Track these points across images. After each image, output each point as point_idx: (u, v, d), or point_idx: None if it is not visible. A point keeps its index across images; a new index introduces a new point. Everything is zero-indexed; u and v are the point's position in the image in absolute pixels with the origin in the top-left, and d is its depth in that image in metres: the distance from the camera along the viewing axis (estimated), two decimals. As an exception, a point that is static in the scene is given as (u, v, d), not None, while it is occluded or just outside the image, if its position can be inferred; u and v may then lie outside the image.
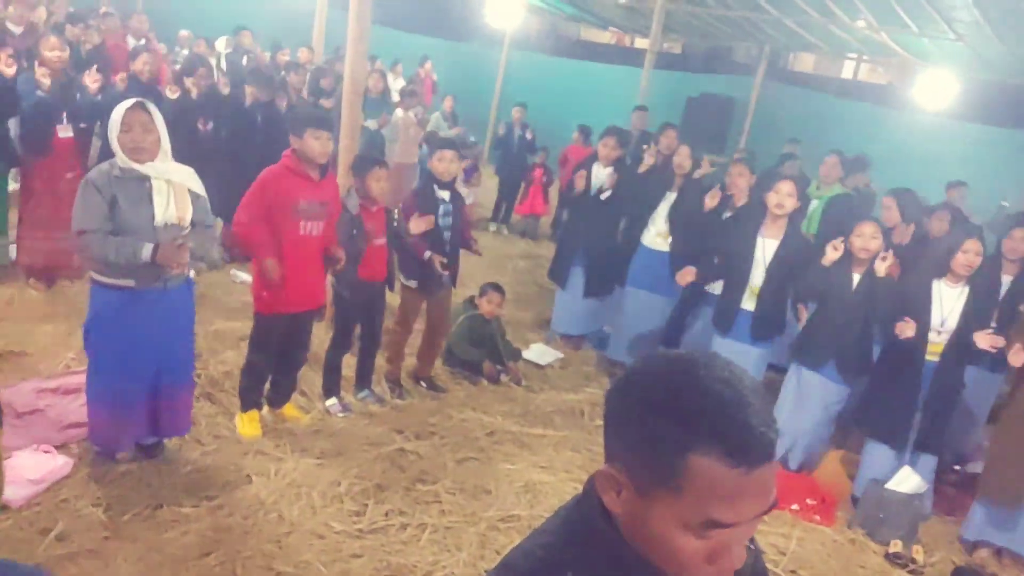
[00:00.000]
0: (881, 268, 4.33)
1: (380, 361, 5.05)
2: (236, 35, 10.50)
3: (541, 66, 14.49)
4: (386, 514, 3.65)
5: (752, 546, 1.17)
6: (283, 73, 8.51)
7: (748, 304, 4.79)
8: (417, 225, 4.61)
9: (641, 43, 16.95)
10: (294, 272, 3.98)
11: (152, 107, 3.33)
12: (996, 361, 4.77)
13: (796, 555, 3.90)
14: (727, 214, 5.49)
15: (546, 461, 4.45)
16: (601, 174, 5.93)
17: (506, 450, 4.52)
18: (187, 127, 6.10)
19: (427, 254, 4.73)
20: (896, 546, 4.09)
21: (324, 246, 4.11)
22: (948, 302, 4.25)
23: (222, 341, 5.10)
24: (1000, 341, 4.03)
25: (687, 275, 4.94)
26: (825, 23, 10.10)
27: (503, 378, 5.52)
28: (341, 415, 4.61)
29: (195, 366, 4.09)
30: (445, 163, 4.81)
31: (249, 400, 4.26)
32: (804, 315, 4.93)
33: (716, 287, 5.18)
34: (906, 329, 4.14)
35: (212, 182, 4.73)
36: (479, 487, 4.05)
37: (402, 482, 3.95)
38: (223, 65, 9.55)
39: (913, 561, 4.01)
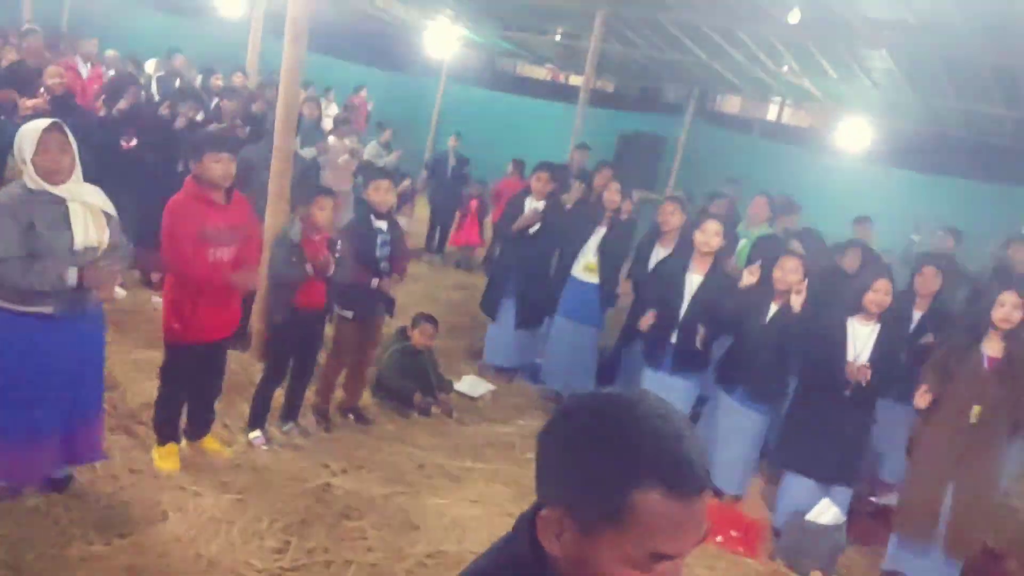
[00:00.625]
0: (796, 302, 4.48)
1: (308, 393, 4.95)
2: (169, 58, 10.31)
3: (478, 99, 14.64)
4: (309, 552, 3.55)
5: None
6: (216, 99, 8.38)
7: (674, 338, 4.92)
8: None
9: (576, 80, 17.32)
10: (206, 300, 3.87)
11: (66, 127, 3.23)
12: (904, 394, 4.99)
13: (720, 587, 3.96)
14: (660, 254, 5.60)
15: (476, 495, 4.41)
16: (537, 208, 6.00)
17: (435, 484, 4.46)
18: (110, 144, 5.94)
19: (375, 281, 4.68)
20: (816, 576, 4.19)
21: (237, 271, 4.01)
22: (861, 339, 4.42)
23: (140, 370, 4.91)
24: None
25: (648, 320, 4.97)
26: (751, 67, 10.51)
27: (434, 410, 5.47)
28: (265, 448, 4.49)
29: (111, 396, 3.94)
30: (381, 193, 4.78)
31: (165, 433, 4.11)
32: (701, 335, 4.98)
33: (646, 322, 5.30)
34: (857, 374, 4.26)
35: (131, 201, 4.58)
36: (407, 522, 3.98)
37: (327, 518, 3.85)
38: (154, 88, 9.35)
39: (832, 591, 4.11)
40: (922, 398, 4.05)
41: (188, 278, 3.81)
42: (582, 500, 0.97)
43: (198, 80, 10.35)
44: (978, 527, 4.19)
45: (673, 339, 4.91)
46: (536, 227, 5.94)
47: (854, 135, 10.98)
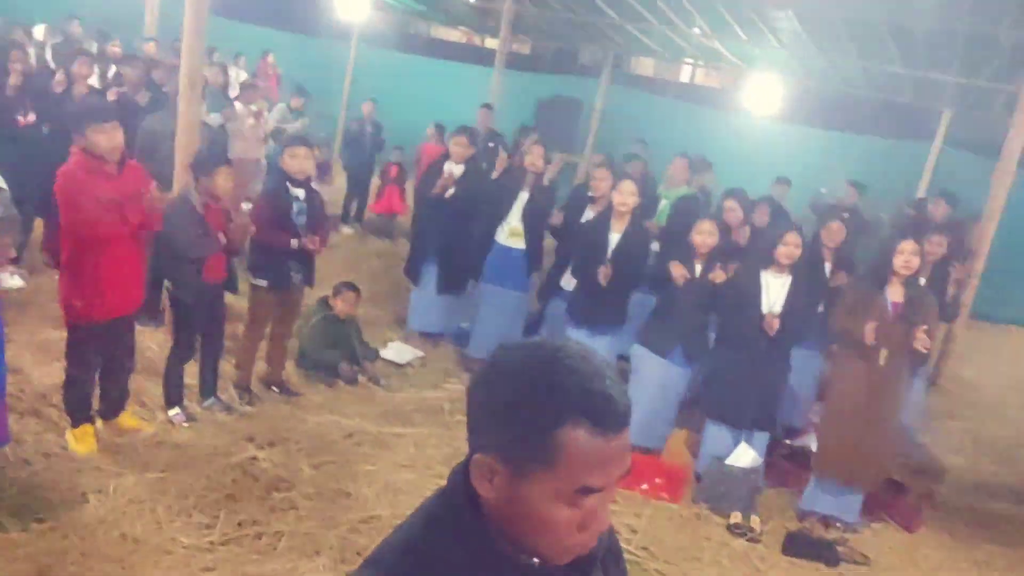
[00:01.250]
0: (718, 277, 4.64)
1: (228, 367, 4.85)
2: (65, 23, 9.70)
3: (392, 63, 14.34)
4: (239, 524, 3.51)
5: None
6: (114, 67, 7.97)
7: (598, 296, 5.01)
8: (248, 227, 4.39)
9: (492, 43, 17.17)
10: (108, 276, 3.73)
11: None
12: (817, 342, 5.25)
13: (647, 532, 4.11)
14: (588, 215, 5.68)
15: (407, 460, 4.43)
16: (455, 172, 5.97)
17: (365, 451, 4.46)
18: (5, 121, 5.60)
19: (295, 241, 4.57)
20: (736, 517, 4.39)
21: (137, 241, 3.87)
22: (775, 290, 4.61)
23: (48, 351, 4.70)
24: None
25: (606, 274, 4.94)
26: (664, 30, 10.63)
27: (361, 378, 5.44)
28: (186, 425, 4.38)
29: (16, 379, 3.77)
30: (299, 160, 4.65)
31: (78, 414, 3.97)
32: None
33: (569, 282, 5.41)
34: (773, 324, 4.40)
35: (33, 177, 4.36)
36: (338, 490, 3.97)
37: (255, 491, 3.81)
38: (48, 55, 8.80)
39: (751, 530, 4.33)
40: (869, 334, 4.22)
41: (92, 247, 3.64)
42: (512, 442, 1.00)
43: (94, 47, 9.82)
44: (884, 462, 4.47)
45: (594, 296, 5.01)
46: (452, 191, 5.90)
47: (764, 95, 11.26)
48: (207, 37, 5.19)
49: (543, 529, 1.02)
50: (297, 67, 13.17)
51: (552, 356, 1.01)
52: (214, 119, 7.85)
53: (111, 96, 6.70)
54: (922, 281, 4.87)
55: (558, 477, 0.98)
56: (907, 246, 4.25)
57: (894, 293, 4.29)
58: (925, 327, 4.12)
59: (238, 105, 8.51)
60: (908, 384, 4.55)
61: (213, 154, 4.68)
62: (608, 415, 0.98)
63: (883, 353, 4.22)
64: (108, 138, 3.64)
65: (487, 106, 8.79)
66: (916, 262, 4.24)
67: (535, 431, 0.98)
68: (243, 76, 11.25)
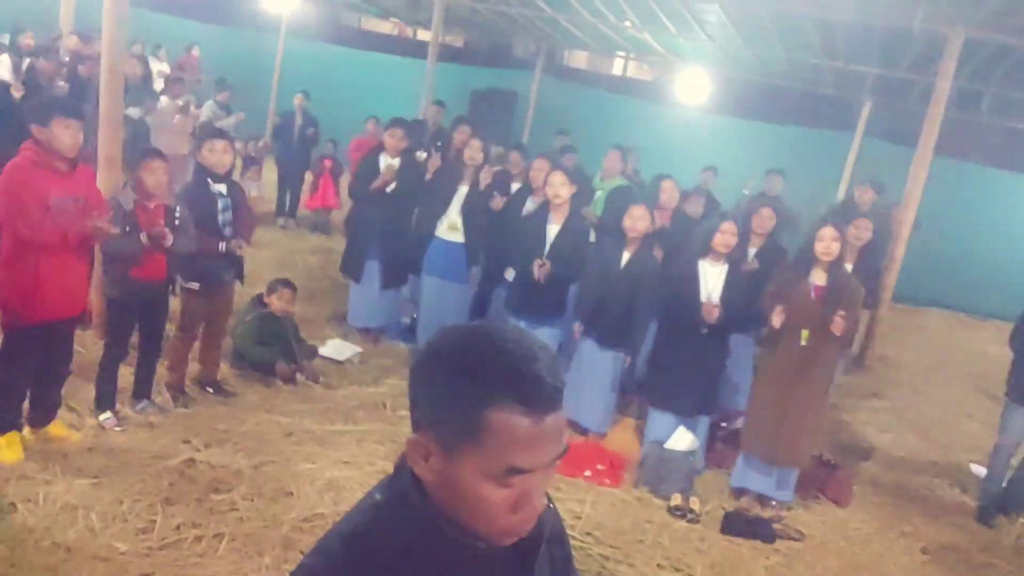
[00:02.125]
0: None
1: (160, 369, 4.71)
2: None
3: (322, 55, 14.11)
4: (177, 528, 3.42)
5: (551, 505, 1.25)
6: (27, 59, 7.65)
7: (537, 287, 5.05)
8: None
9: (424, 35, 17.04)
10: (50, 275, 3.59)
11: None
12: (750, 328, 5.39)
13: (591, 518, 4.17)
14: (529, 208, 5.70)
15: (349, 456, 4.39)
16: (392, 165, 5.91)
17: (306, 450, 4.39)
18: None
19: (222, 245, 4.46)
20: (676, 499, 4.49)
21: (82, 244, 3.73)
22: (712, 278, 4.72)
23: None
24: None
25: (542, 267, 4.97)
26: (595, 22, 10.73)
27: (299, 377, 5.35)
28: (118, 429, 4.24)
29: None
30: (217, 154, 4.53)
31: (5, 421, 3.79)
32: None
33: (509, 273, 5.44)
34: (777, 317, 4.47)
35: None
36: (279, 490, 3.91)
37: (193, 493, 3.72)
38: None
39: (691, 511, 4.43)
40: (777, 317, 4.35)
41: (33, 246, 3.49)
42: (443, 421, 1.02)
43: (6, 39, 9.39)
44: (812, 440, 4.63)
45: (532, 288, 5.05)
46: (393, 185, 5.86)
47: (693, 87, 11.51)
48: (128, 29, 5.03)
49: (476, 509, 1.03)
50: (223, 60, 12.84)
51: (485, 337, 1.02)
52: (134, 112, 7.62)
53: (15, 93, 6.42)
54: (849, 267, 5.06)
55: (486, 456, 1.00)
56: (827, 232, 4.40)
57: (818, 277, 4.44)
58: (842, 312, 4.28)
59: (164, 99, 8.27)
60: (833, 365, 4.70)
61: (142, 147, 4.53)
62: (536, 396, 0.99)
63: (804, 334, 4.36)
64: (72, 135, 3.51)
65: (438, 103, 8.75)
66: (836, 247, 4.39)
67: (464, 410, 0.99)
68: (165, 69, 10.93)
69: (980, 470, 5.62)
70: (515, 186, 6.18)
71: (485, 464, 1.00)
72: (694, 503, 4.50)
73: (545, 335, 5.01)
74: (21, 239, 3.49)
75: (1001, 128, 11.44)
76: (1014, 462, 5.19)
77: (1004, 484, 5.16)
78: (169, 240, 4.03)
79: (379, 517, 1.09)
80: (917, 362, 8.38)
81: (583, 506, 4.27)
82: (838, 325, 4.25)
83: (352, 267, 6.16)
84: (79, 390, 4.39)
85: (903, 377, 7.83)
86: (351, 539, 1.07)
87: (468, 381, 1.00)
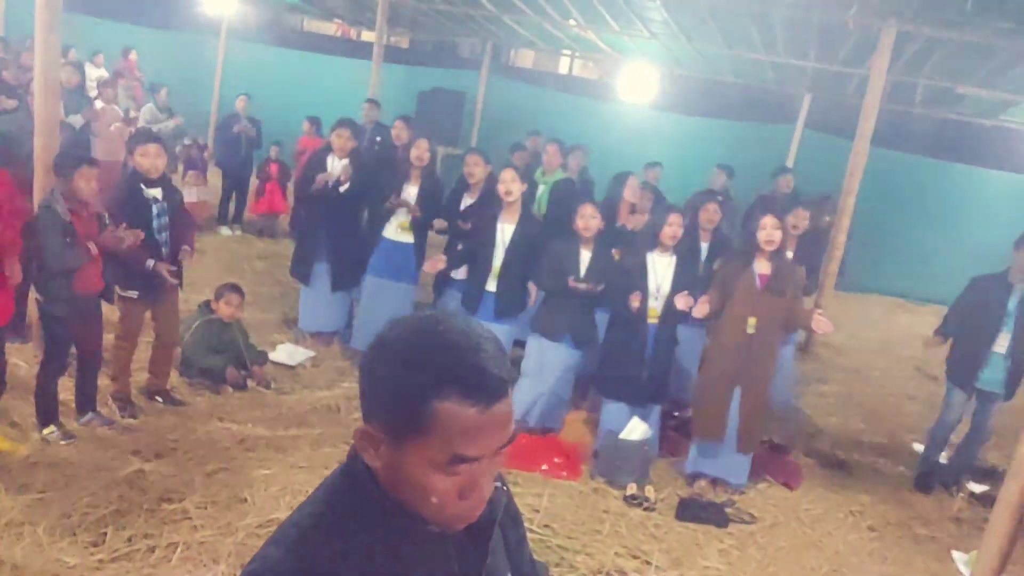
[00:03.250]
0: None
1: (104, 380, 4.61)
2: None
3: (264, 57, 13.89)
4: (129, 539, 3.36)
5: (505, 488, 1.28)
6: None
7: (491, 286, 5.11)
8: (128, 238, 4.15)
9: (368, 36, 16.90)
10: None
11: None
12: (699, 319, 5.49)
13: (548, 511, 4.21)
14: (467, 203, 5.71)
15: (304, 461, 4.35)
16: (337, 166, 5.86)
17: (260, 456, 4.34)
18: None
19: (150, 263, 4.36)
20: (631, 488, 4.56)
21: (5, 254, 3.61)
22: (661, 270, 4.80)
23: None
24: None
25: (437, 262, 5.03)
26: (540, 21, 10.79)
27: (250, 383, 5.28)
28: (64, 443, 4.14)
29: None
30: (150, 158, 4.42)
31: (-56, 440, 3.68)
32: (535, 292, 5.28)
33: (461, 272, 5.44)
34: (634, 301, 4.60)
35: None
36: (233, 497, 3.86)
37: (144, 504, 3.65)
38: None
39: (647, 499, 4.50)
40: (699, 308, 4.46)
41: None
42: (389, 412, 1.04)
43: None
44: (761, 425, 4.75)
45: (491, 287, 5.07)
46: (347, 186, 5.80)
47: (639, 84, 11.64)
48: (62, 34, 4.90)
49: (424, 496, 1.05)
50: (162, 64, 12.59)
51: (432, 329, 1.04)
52: (76, 120, 7.43)
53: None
54: (789, 254, 5.19)
55: (431, 446, 1.02)
56: (768, 221, 4.51)
57: (761, 266, 4.55)
58: (820, 310, 4.46)
59: (100, 104, 8.08)
60: (779, 351, 4.83)
61: (72, 153, 4.40)
62: (481, 387, 1.01)
63: (751, 321, 4.48)
64: None
65: (372, 101, 8.69)
66: (778, 236, 4.51)
67: (409, 401, 1.01)
68: (103, 74, 10.67)
69: (922, 449, 5.82)
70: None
71: (432, 453, 1.02)
72: (649, 491, 4.58)
73: (503, 333, 5.03)
74: None
75: (934, 119, 11.83)
76: (955, 439, 5.40)
77: (944, 460, 5.36)
78: (123, 243, 3.92)
79: (333, 506, 1.10)
80: (860, 347, 8.62)
81: (540, 499, 4.30)
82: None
83: (301, 270, 6.08)
84: (20, 405, 4.28)
85: (847, 362, 8.05)
86: (306, 528, 1.08)
87: (414, 372, 1.01)
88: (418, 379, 1.01)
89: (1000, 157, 11.24)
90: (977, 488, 5.31)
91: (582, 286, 4.77)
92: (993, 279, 5.05)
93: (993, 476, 5.45)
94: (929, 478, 5.28)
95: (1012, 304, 4.93)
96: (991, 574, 3.72)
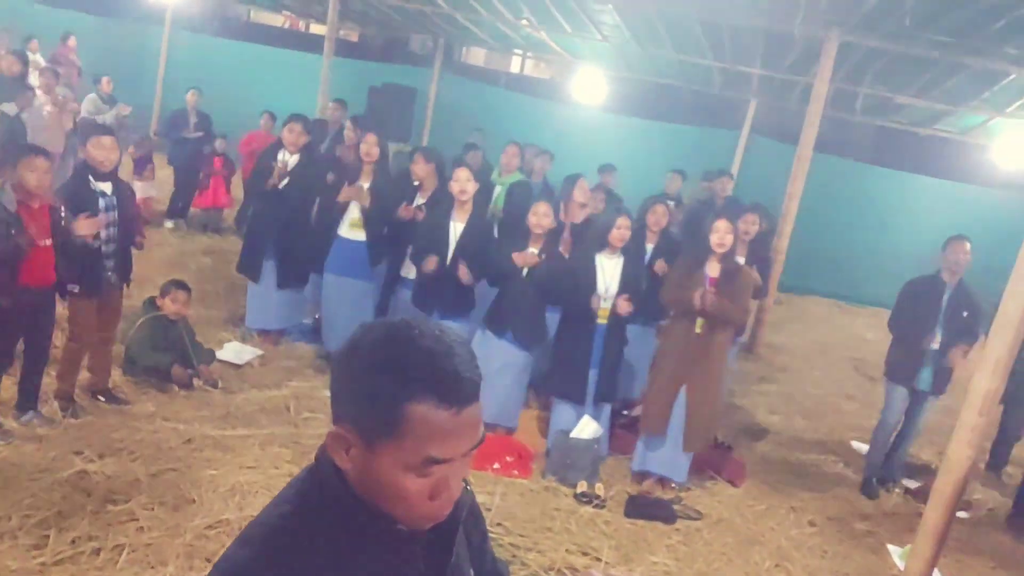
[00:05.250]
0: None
1: (47, 379, 4.47)
2: None
3: (209, 48, 13.60)
4: (73, 542, 3.27)
5: (468, 487, 1.30)
6: None
7: (444, 283, 5.09)
8: (83, 227, 4.08)
9: (317, 29, 16.69)
10: None
11: None
12: (648, 318, 5.60)
13: (500, 509, 4.24)
14: (418, 202, 5.70)
15: (253, 461, 4.29)
16: (289, 161, 5.79)
17: (207, 456, 4.27)
18: None
19: (92, 242, 4.22)
20: (582, 486, 4.62)
21: None
22: (609, 271, 4.87)
23: None
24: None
25: (430, 263, 5.03)
26: (492, 20, 10.81)
27: (196, 382, 5.17)
28: (1, 443, 4.00)
29: None
30: (104, 151, 4.32)
31: None
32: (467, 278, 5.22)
33: (411, 271, 5.43)
34: (595, 303, 4.65)
35: None
36: (181, 498, 3.79)
37: (88, 506, 3.56)
38: None
39: (597, 497, 4.57)
40: (697, 299, 4.49)
41: None
42: (363, 415, 1.05)
43: None
44: (709, 424, 4.86)
45: (440, 284, 5.07)
46: (286, 181, 5.72)
47: (590, 86, 11.75)
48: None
49: (395, 497, 1.07)
50: (103, 53, 12.20)
51: (404, 333, 1.06)
52: (9, 108, 7.17)
53: None
54: (741, 260, 5.31)
55: (404, 448, 1.03)
56: (721, 225, 4.63)
57: (712, 269, 4.67)
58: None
59: (38, 93, 7.81)
60: (727, 352, 4.95)
61: (21, 144, 4.26)
62: (453, 391, 1.03)
63: (699, 322, 4.59)
64: None
65: (338, 101, 8.61)
66: (730, 239, 4.63)
67: (382, 404, 1.02)
68: (39, 62, 10.29)
69: (861, 446, 6.03)
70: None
71: (404, 456, 1.04)
72: (599, 489, 4.64)
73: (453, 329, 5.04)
74: None
75: (873, 127, 12.23)
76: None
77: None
78: (84, 230, 3.82)
79: (301, 506, 1.11)
80: (802, 348, 8.87)
81: (492, 498, 4.33)
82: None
83: (249, 267, 5.98)
84: (-45, 403, 4.12)
85: (789, 362, 8.28)
86: (274, 529, 1.09)
87: (387, 376, 1.03)
88: (392, 382, 1.02)
89: (935, 165, 11.68)
90: (911, 484, 5.52)
91: (523, 259, 4.81)
92: (926, 280, 5.26)
93: (926, 472, 5.69)
94: (873, 485, 5.39)
95: (944, 301, 5.14)
96: (925, 566, 3.90)
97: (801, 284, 10.90)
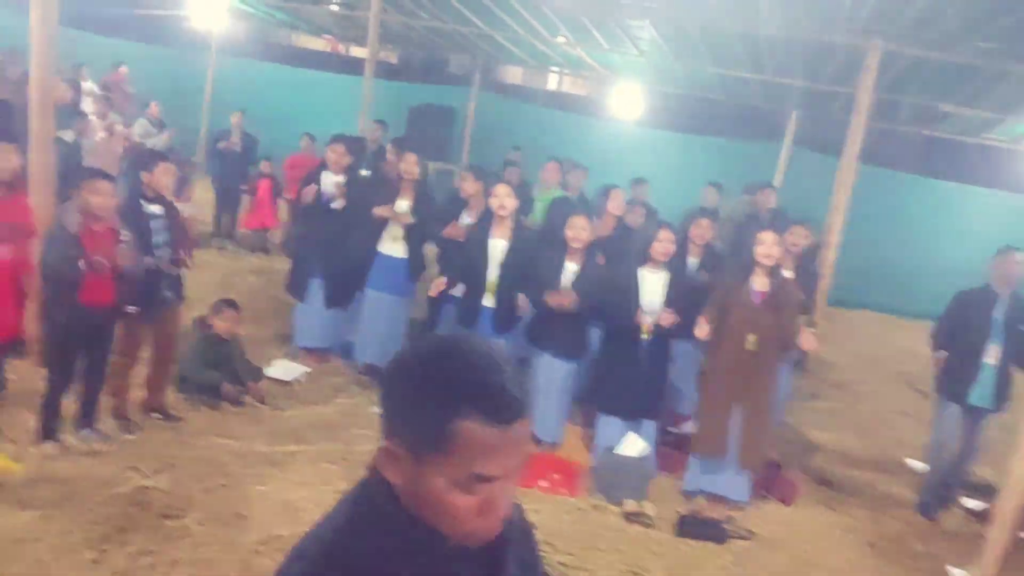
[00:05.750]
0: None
1: (104, 396, 4.58)
2: None
3: (253, 72, 13.92)
4: (131, 556, 3.33)
5: (518, 504, 1.30)
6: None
7: (488, 301, 5.11)
8: (123, 257, 4.12)
9: (358, 52, 16.96)
10: None
11: None
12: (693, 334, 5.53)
13: (547, 527, 4.20)
14: (466, 220, 5.74)
15: (302, 477, 4.34)
16: (331, 182, 5.88)
17: (259, 472, 4.32)
18: None
19: (148, 260, 4.33)
20: (630, 505, 4.57)
21: (16, 271, 3.61)
22: (652, 286, 4.84)
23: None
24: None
25: (439, 285, 5.07)
26: (530, 39, 10.89)
27: (246, 399, 5.25)
28: (63, 459, 4.09)
29: None
30: (169, 175, 4.48)
31: (-58, 457, 3.65)
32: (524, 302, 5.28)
33: (456, 289, 5.46)
34: (640, 319, 4.62)
35: None
36: (234, 513, 3.84)
37: (145, 521, 3.63)
38: None
39: (645, 516, 4.51)
40: (700, 329, 4.51)
41: None
42: (411, 431, 1.06)
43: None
44: (763, 442, 4.76)
45: (488, 303, 5.09)
46: (338, 202, 5.82)
47: (627, 101, 11.77)
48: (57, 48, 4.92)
49: (444, 513, 1.07)
50: (152, 78, 12.55)
51: (453, 349, 1.07)
52: (67, 135, 7.40)
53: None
54: (789, 272, 5.22)
55: (453, 465, 1.04)
56: (767, 237, 4.56)
57: (759, 283, 4.59)
58: (814, 330, 4.50)
59: (93, 119, 8.06)
60: (779, 368, 4.86)
61: (85, 168, 4.42)
62: (501, 408, 1.03)
63: (750, 339, 4.51)
64: (3, 158, 3.38)
65: (379, 122, 8.75)
66: (777, 251, 4.55)
67: (431, 421, 1.03)
68: (90, 88, 10.62)
69: (916, 464, 5.88)
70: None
71: (453, 472, 1.04)
72: (648, 507, 4.59)
73: (501, 346, 5.05)
74: None
75: (919, 137, 12.02)
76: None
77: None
78: (127, 261, 3.92)
79: (354, 521, 1.12)
80: (852, 363, 8.69)
81: (540, 516, 4.30)
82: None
83: (296, 287, 6.08)
84: (18, 420, 4.25)
85: (840, 378, 8.12)
86: (328, 544, 1.10)
87: (436, 392, 1.04)
88: (440, 399, 1.03)
89: (983, 174, 11.43)
90: (971, 504, 5.35)
91: (557, 300, 4.78)
92: (977, 292, 5.10)
93: (987, 492, 5.51)
94: (931, 505, 5.22)
95: (998, 314, 4.98)
96: (989, 588, 3.78)
97: (850, 298, 10.70)
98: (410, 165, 5.78)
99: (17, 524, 3.39)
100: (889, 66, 7.83)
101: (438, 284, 5.13)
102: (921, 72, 8.22)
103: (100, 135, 8.10)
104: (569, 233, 4.96)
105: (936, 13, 6.18)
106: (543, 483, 4.68)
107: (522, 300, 5.12)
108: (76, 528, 3.43)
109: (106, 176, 4.13)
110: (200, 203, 9.61)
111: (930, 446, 5.32)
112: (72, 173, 4.18)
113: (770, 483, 5.12)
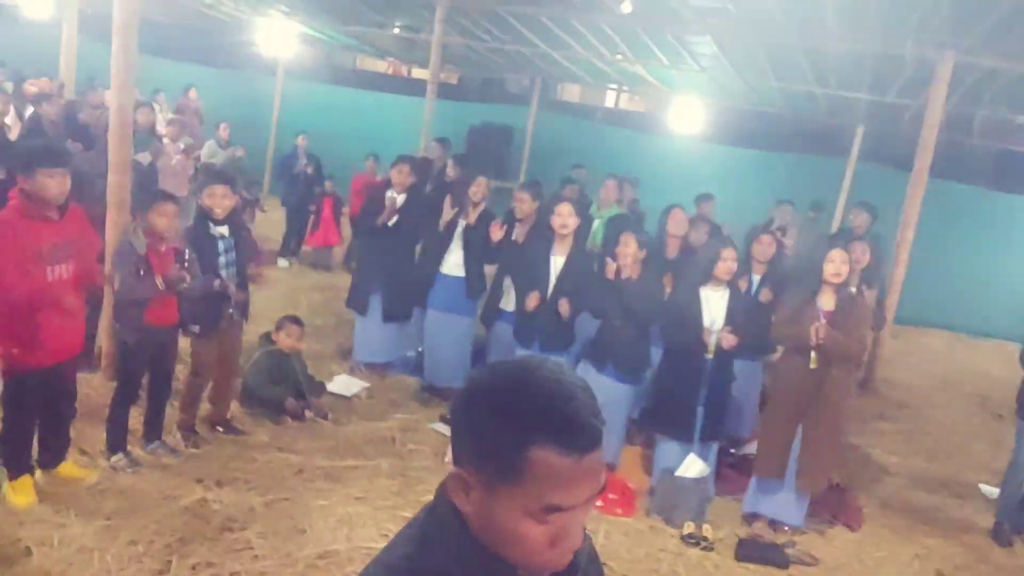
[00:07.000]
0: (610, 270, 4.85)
1: (170, 409, 4.73)
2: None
3: (319, 95, 14.30)
4: (193, 567, 3.42)
5: (585, 531, 1.28)
6: (31, 106, 7.75)
7: (544, 318, 5.09)
8: (172, 275, 4.20)
9: (419, 73, 17.26)
10: (47, 321, 3.61)
11: None
12: (755, 353, 5.43)
13: (604, 548, 4.15)
14: (516, 237, 5.77)
15: (361, 492, 4.39)
16: (397, 200, 5.98)
17: (317, 486, 4.39)
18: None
19: (216, 281, 4.47)
20: (689, 527, 4.48)
21: (78, 287, 3.77)
22: (714, 304, 4.76)
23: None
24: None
25: (532, 300, 5.08)
26: (588, 57, 10.91)
27: (308, 414, 5.35)
28: (130, 471, 4.24)
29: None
30: (216, 199, 4.56)
31: (16, 465, 3.80)
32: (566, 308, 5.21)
33: (509, 304, 5.48)
34: (706, 338, 4.57)
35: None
36: (292, 527, 3.91)
37: (207, 533, 3.72)
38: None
39: (704, 539, 4.42)
40: (813, 335, 4.31)
41: (14, 300, 3.51)
42: (483, 459, 1.04)
43: (9, 87, 9.53)
44: (825, 465, 4.61)
45: (540, 318, 5.09)
46: (395, 219, 5.92)
47: (687, 117, 11.66)
48: (136, 76, 5.14)
49: (515, 543, 1.05)
50: (221, 102, 13.01)
51: (525, 376, 1.04)
52: (143, 157, 7.71)
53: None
54: (853, 289, 5.08)
55: (525, 494, 1.01)
56: (836, 255, 4.45)
57: (826, 301, 4.47)
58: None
59: (166, 142, 8.38)
60: (845, 388, 4.71)
61: (151, 190, 4.59)
62: (575, 437, 1.01)
63: (813, 357, 4.39)
64: (59, 183, 3.54)
65: (441, 140, 8.90)
66: (846, 270, 4.44)
67: (503, 449, 1.01)
68: (166, 113, 11.06)
69: (990, 490, 5.62)
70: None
71: (525, 502, 1.02)
72: (707, 530, 4.49)
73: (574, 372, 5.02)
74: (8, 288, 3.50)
75: (993, 150, 11.58)
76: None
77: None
78: (187, 281, 4.06)
79: (423, 548, 1.10)
80: (921, 383, 8.39)
81: (596, 536, 4.26)
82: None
83: (357, 302, 6.19)
84: (89, 433, 4.40)
85: (908, 398, 7.84)
86: (396, 571, 1.09)
87: (508, 421, 1.02)
88: (513, 428, 1.01)
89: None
90: (1050, 531, 5.09)
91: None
92: None
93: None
94: (1006, 530, 5.00)
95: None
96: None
97: (919, 316, 10.34)
98: (481, 188, 5.86)
99: (85, 533, 3.52)
100: (961, 78, 7.58)
101: (533, 298, 5.11)
102: (995, 83, 7.93)
103: (176, 158, 8.42)
104: (620, 251, 4.93)
105: (1012, 22, 5.95)
106: (599, 503, 4.63)
107: (563, 305, 5.02)
108: (141, 539, 3.54)
109: (170, 198, 4.28)
110: (269, 222, 9.90)
111: (1008, 469, 5.09)
112: (144, 195, 4.33)
113: (835, 507, 4.96)
